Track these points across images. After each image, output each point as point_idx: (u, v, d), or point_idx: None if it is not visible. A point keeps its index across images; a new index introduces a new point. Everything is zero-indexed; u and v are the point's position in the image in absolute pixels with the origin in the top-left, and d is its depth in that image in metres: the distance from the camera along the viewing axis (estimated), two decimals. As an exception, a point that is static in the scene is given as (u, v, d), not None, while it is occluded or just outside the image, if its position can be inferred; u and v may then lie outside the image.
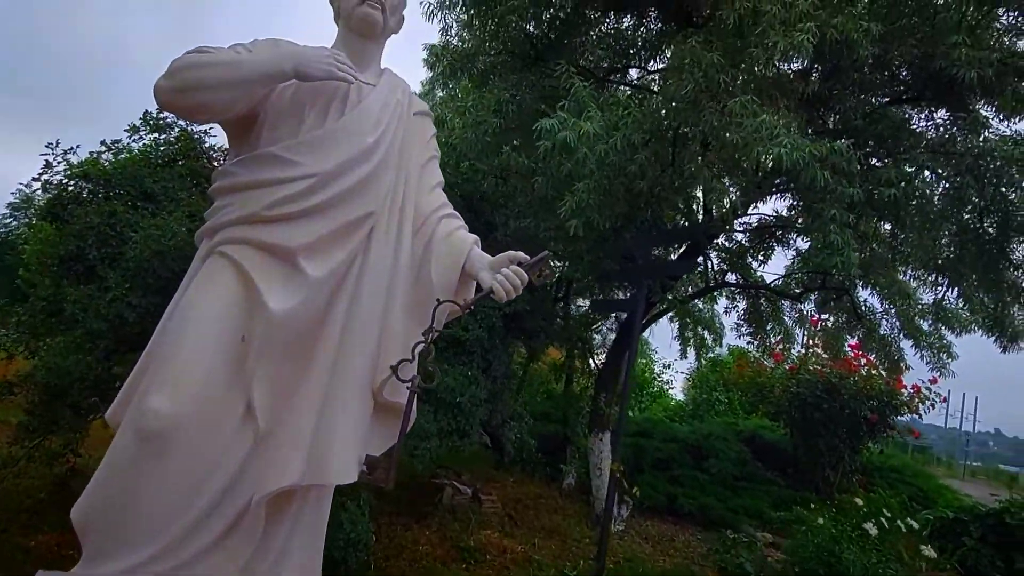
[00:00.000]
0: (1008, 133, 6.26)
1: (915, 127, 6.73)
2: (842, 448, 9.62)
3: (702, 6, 6.39)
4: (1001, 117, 6.24)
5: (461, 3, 6.91)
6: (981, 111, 6.38)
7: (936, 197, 6.59)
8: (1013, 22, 5.80)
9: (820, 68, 6.20)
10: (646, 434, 11.06)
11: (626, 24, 7.59)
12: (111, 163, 5.89)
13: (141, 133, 6.05)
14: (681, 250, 8.86)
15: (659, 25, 7.37)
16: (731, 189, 7.39)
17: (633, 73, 8.21)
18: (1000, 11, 5.58)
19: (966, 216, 6.76)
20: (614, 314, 10.75)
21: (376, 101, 2.30)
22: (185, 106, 2.08)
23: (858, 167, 5.65)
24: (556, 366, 12.06)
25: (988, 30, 5.73)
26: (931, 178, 6.45)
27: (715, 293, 10.64)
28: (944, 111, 6.65)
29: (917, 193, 6.11)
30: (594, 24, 7.51)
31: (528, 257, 2.16)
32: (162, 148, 6.06)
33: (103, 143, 6.03)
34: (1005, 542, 6.37)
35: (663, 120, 5.77)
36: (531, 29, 7.13)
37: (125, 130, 5.99)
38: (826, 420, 9.64)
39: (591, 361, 11.18)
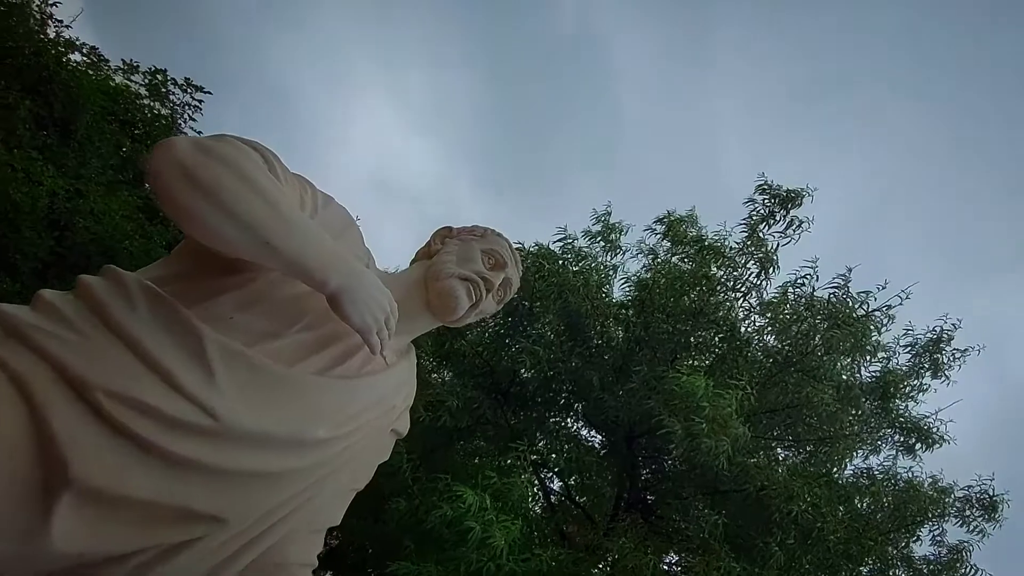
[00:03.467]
0: None
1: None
2: None
3: (665, 514, 5.80)
4: None
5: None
6: None
7: None
8: None
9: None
10: None
11: (594, 446, 7.02)
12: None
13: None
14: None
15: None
16: None
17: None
18: None
19: None
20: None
21: (372, 390, 1.53)
22: (181, 202, 1.26)
23: None
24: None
25: None
26: None
27: None
28: None
29: None
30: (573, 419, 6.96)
31: None
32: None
33: None
34: None
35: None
36: (528, 373, 6.49)
37: None
38: None
39: None
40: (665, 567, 4.92)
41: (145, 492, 1.12)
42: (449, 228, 1.85)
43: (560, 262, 6.08)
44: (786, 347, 5.79)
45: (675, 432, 4.42)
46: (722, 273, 6.12)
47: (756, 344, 6.17)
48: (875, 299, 6.19)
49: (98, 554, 1.12)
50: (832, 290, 6.15)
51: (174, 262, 1.42)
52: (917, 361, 6.91)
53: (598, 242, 7.27)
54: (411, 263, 1.81)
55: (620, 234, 7.29)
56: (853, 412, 5.67)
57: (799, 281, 6.00)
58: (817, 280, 6.12)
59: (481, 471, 5.30)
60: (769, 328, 6.15)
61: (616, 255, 7.24)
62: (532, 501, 6.89)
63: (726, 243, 6.50)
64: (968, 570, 6.78)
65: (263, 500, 1.30)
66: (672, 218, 7.10)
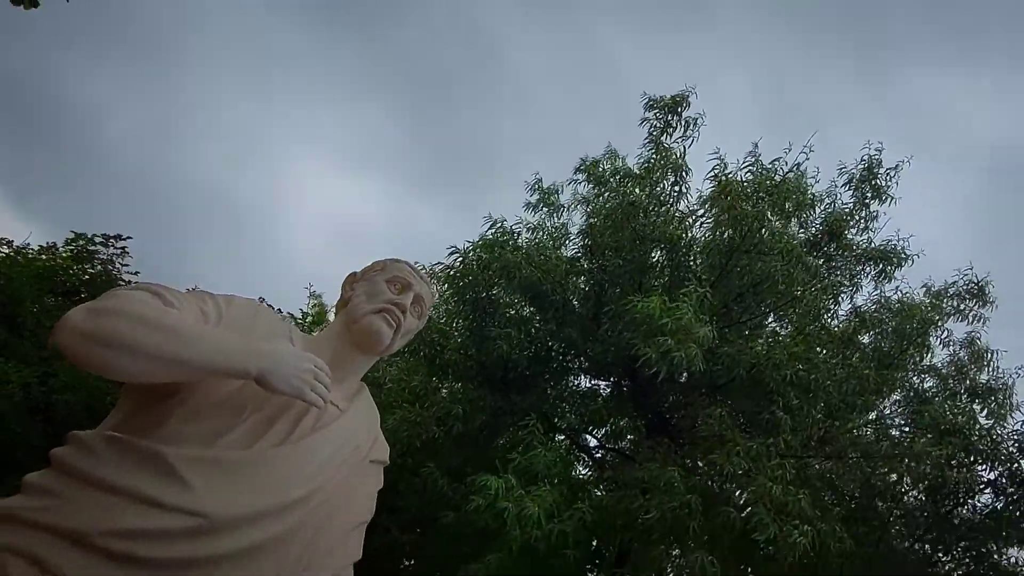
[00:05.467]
0: None
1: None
2: None
3: (685, 427, 6.08)
4: None
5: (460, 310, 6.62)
6: None
7: None
8: None
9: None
10: None
11: (602, 393, 7.29)
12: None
13: None
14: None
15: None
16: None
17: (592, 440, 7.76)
18: None
19: None
20: None
21: (331, 440, 1.71)
22: (93, 360, 1.48)
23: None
24: None
25: None
26: None
27: None
28: None
29: None
30: (574, 378, 7.23)
31: None
32: None
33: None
34: None
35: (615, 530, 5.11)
36: (513, 356, 6.76)
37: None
38: None
39: None
40: (696, 474, 5.18)
41: None
42: (354, 273, 2.01)
43: (496, 250, 6.31)
44: (727, 235, 6.05)
45: (649, 356, 4.69)
46: (644, 194, 6.39)
47: (699, 245, 6.45)
48: (786, 163, 6.50)
49: None
50: (749, 167, 6.47)
51: (123, 406, 1.64)
52: (859, 194, 7.20)
53: (542, 210, 7.60)
54: (335, 316, 2.04)
55: (558, 195, 7.61)
56: (806, 265, 5.91)
57: (714, 173, 6.27)
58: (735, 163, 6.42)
59: (503, 456, 5.59)
60: (707, 224, 6.42)
61: (562, 215, 7.59)
62: (575, 465, 7.18)
63: (640, 166, 6.81)
64: (987, 353, 7.11)
65: (266, 570, 1.48)
66: (588, 163, 7.40)
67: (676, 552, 4.92)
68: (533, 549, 4.72)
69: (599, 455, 7.80)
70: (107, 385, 6.85)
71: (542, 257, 6.43)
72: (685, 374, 5.57)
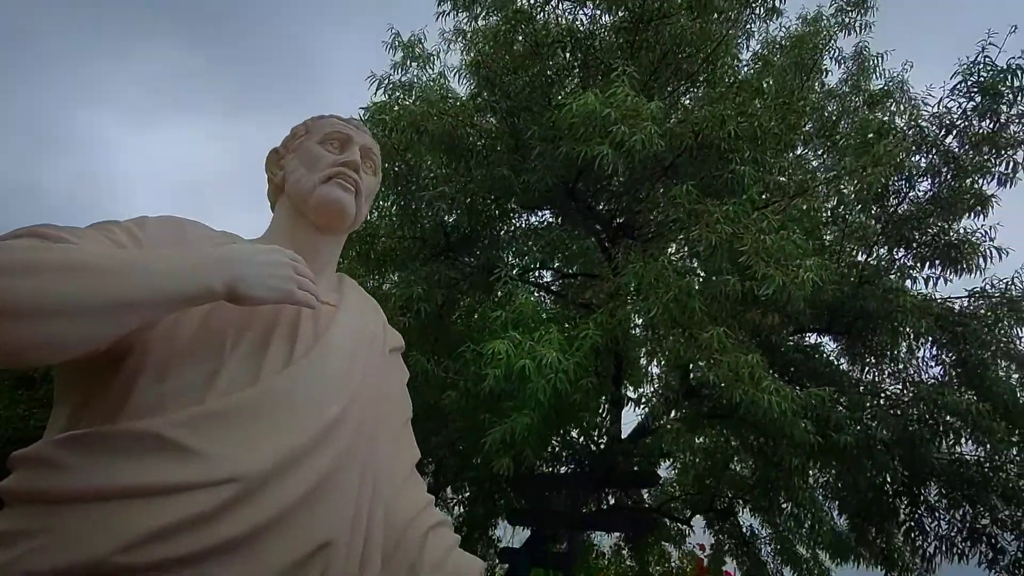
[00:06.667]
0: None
1: (841, 366, 6.58)
2: None
3: (645, 222, 5.94)
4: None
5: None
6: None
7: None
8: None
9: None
10: None
11: (550, 222, 7.01)
12: None
13: None
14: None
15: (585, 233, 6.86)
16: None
17: (548, 275, 7.57)
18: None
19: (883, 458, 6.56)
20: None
21: (343, 336, 1.39)
22: (9, 343, 1.01)
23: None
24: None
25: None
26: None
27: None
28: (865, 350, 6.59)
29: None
30: (516, 218, 6.88)
31: None
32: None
33: None
34: None
35: (618, 342, 5.00)
36: (448, 219, 6.29)
37: None
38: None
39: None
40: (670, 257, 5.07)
41: None
42: (275, 150, 1.64)
43: (394, 109, 5.63)
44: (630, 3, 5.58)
45: (604, 153, 4.35)
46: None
47: (603, 29, 5.96)
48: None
49: None
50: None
51: (66, 400, 1.21)
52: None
53: (411, 68, 6.80)
54: (273, 209, 1.61)
55: (423, 42, 6.80)
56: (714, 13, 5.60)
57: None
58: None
59: (485, 319, 5.30)
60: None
61: (435, 64, 6.83)
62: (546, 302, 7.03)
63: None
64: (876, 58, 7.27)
65: (334, 507, 1.19)
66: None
67: (683, 336, 4.83)
68: (555, 393, 4.55)
69: (557, 290, 7.67)
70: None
71: (448, 102, 5.81)
72: (628, 170, 5.29)
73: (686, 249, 5.07)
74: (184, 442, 1.05)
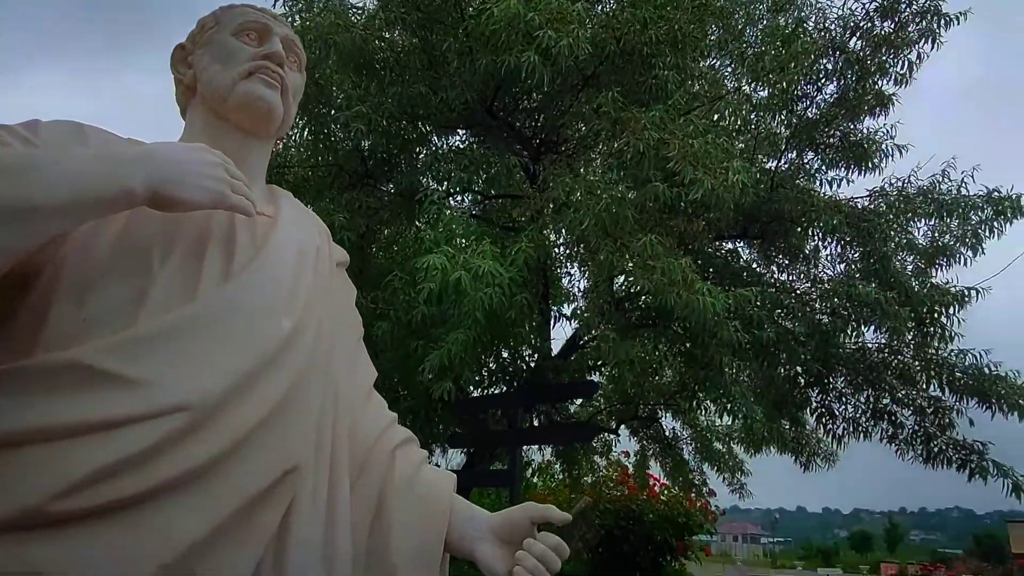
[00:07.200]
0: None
1: (756, 267, 6.87)
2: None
3: (568, 135, 5.84)
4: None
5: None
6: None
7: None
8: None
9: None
10: None
11: (471, 143, 6.80)
12: None
13: None
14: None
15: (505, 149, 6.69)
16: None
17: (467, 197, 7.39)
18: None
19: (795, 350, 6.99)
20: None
21: (286, 247, 1.24)
22: None
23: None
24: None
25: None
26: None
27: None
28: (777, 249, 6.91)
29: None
30: (435, 140, 6.62)
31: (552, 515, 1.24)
32: None
33: None
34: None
35: (547, 258, 4.98)
36: (364, 144, 5.98)
37: None
38: (632, 552, 9.63)
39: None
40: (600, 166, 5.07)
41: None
42: (180, 46, 1.41)
43: (295, 23, 5.19)
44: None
45: (531, 60, 4.18)
46: None
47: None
48: None
49: None
50: None
51: None
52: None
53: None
54: (185, 115, 1.41)
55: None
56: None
57: None
58: None
59: (415, 242, 5.16)
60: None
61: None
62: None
63: None
64: None
65: (296, 430, 1.08)
66: None
67: (616, 246, 4.87)
68: (491, 309, 4.51)
69: (479, 213, 7.54)
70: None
71: (356, 14, 5.40)
72: (551, 81, 5.14)
73: (612, 160, 5.02)
74: (119, 371, 0.92)
